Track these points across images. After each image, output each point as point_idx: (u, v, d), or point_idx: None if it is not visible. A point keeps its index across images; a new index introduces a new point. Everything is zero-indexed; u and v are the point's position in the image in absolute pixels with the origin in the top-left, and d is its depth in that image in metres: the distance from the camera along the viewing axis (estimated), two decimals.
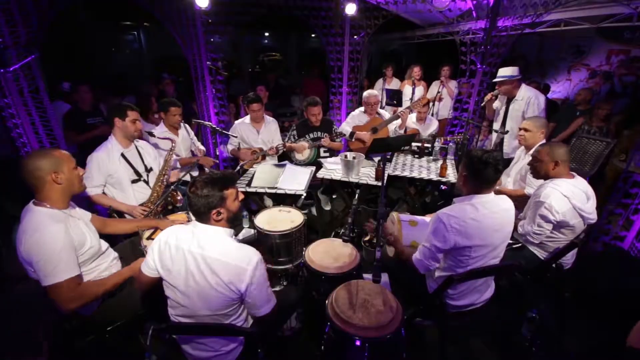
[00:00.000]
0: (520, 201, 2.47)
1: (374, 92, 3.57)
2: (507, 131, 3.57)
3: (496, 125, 3.66)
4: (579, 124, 3.95)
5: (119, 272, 1.69)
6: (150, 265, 1.42)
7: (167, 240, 1.40)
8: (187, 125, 3.28)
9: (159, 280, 1.45)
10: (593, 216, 1.99)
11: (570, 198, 1.93)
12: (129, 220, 2.23)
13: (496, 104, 3.58)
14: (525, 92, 3.26)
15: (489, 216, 1.62)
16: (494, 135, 3.74)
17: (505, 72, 3.25)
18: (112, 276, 1.66)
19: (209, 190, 1.33)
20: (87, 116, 3.57)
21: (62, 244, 1.44)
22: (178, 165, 3.18)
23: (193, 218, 1.43)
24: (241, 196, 1.50)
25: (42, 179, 1.48)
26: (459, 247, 1.60)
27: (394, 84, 5.33)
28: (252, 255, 1.35)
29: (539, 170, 2.09)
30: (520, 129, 2.62)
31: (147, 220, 2.21)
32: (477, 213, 1.60)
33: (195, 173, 3.19)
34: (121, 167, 2.39)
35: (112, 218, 2.29)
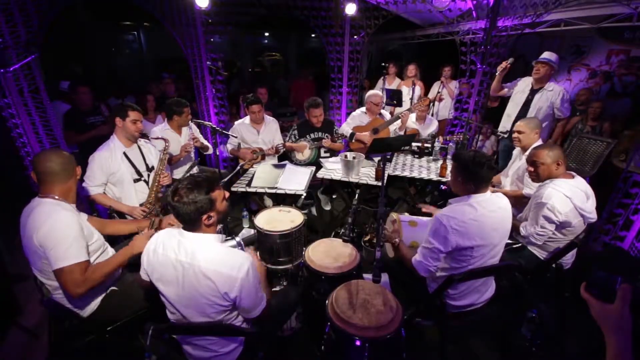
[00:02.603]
0: (518, 201, 2.47)
1: (378, 93, 3.57)
2: (507, 132, 3.58)
3: (502, 127, 3.65)
4: (574, 122, 3.97)
5: (119, 253, 1.68)
6: (143, 271, 1.42)
7: (155, 249, 1.36)
8: (192, 125, 3.28)
9: None
10: (593, 215, 1.99)
11: (572, 198, 1.93)
12: (128, 221, 2.24)
13: (513, 91, 3.51)
14: (556, 85, 3.27)
15: (488, 215, 1.62)
16: (498, 138, 3.73)
17: (550, 56, 3.23)
18: (114, 257, 1.67)
19: (195, 195, 1.27)
20: (87, 115, 3.57)
21: (74, 228, 1.50)
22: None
23: None
24: (227, 195, 1.45)
25: (69, 172, 1.61)
26: (460, 248, 1.60)
27: (396, 83, 5.32)
28: (242, 262, 1.30)
29: (542, 173, 2.07)
30: (514, 132, 2.62)
31: (147, 220, 2.21)
32: (476, 213, 1.60)
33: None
34: (123, 166, 2.39)
35: (112, 219, 2.29)
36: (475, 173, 1.61)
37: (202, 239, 1.33)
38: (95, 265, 1.59)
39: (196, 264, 1.28)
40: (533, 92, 3.37)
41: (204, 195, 1.29)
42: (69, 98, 3.77)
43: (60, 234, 1.44)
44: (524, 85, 3.48)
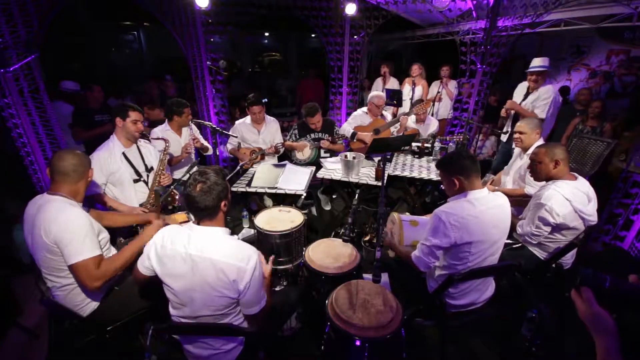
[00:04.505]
0: (520, 200, 2.47)
1: (380, 94, 3.57)
2: (507, 131, 3.60)
3: (506, 128, 3.67)
4: (575, 123, 3.97)
5: (130, 245, 1.69)
6: (147, 265, 1.42)
7: (162, 243, 1.38)
8: (192, 126, 3.28)
9: (156, 278, 1.43)
10: (593, 218, 1.98)
11: (571, 201, 1.92)
12: (127, 214, 2.21)
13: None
14: (550, 88, 3.29)
15: (486, 212, 1.63)
16: (503, 137, 3.75)
17: (542, 62, 3.24)
18: (125, 249, 1.68)
19: (216, 179, 1.34)
20: (94, 113, 3.64)
21: (86, 224, 1.54)
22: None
23: (192, 218, 1.43)
24: None
25: (81, 174, 1.64)
26: (459, 244, 1.61)
27: (392, 83, 5.32)
28: (251, 255, 1.35)
29: (540, 172, 2.08)
30: (515, 132, 2.62)
31: (145, 215, 2.19)
32: (475, 209, 1.61)
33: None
34: (123, 167, 2.39)
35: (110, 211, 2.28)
36: (457, 165, 1.65)
37: (213, 232, 1.37)
38: (109, 258, 1.62)
39: (207, 256, 1.31)
40: (528, 94, 3.42)
41: (223, 180, 1.37)
42: (75, 97, 3.80)
43: (75, 230, 1.48)
44: (521, 88, 3.54)
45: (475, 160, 1.69)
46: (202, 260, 1.31)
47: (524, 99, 3.43)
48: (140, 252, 1.64)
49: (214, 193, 1.33)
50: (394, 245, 1.93)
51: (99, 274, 1.52)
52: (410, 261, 1.75)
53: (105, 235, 1.74)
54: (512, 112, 3.54)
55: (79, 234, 1.49)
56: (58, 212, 1.49)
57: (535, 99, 3.29)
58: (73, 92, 3.85)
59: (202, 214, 1.37)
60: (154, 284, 1.47)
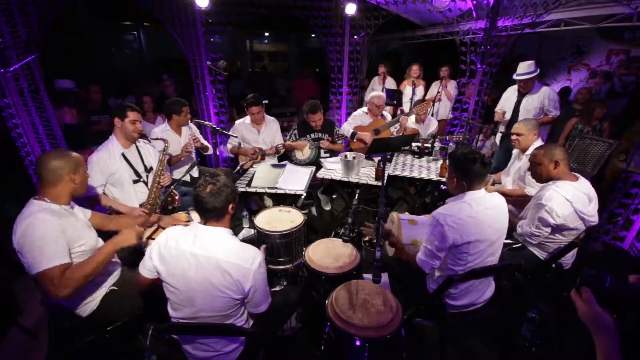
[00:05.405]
0: (520, 201, 2.47)
1: (381, 94, 3.57)
2: (501, 132, 3.63)
3: (502, 127, 3.70)
4: (573, 124, 3.97)
5: (101, 249, 1.56)
6: (149, 267, 1.41)
7: (166, 243, 1.38)
8: (192, 125, 3.28)
9: (158, 280, 1.44)
10: (594, 219, 1.98)
11: (572, 202, 1.91)
12: (130, 218, 2.21)
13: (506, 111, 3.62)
14: (541, 86, 3.38)
15: (484, 212, 1.64)
16: (498, 136, 3.78)
17: (529, 67, 3.31)
18: (95, 254, 1.53)
19: (226, 181, 1.36)
20: (92, 114, 3.65)
21: (49, 231, 1.42)
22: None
23: (193, 218, 1.43)
24: None
25: (60, 177, 1.54)
26: (457, 245, 1.62)
27: (389, 83, 5.32)
28: (255, 256, 1.36)
29: (541, 173, 2.07)
30: (512, 134, 2.63)
31: (147, 217, 2.18)
32: (472, 210, 1.62)
33: (195, 174, 3.19)
34: (122, 167, 2.39)
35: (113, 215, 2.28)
36: (468, 169, 1.64)
37: (218, 233, 1.38)
38: (77, 265, 1.47)
39: (212, 256, 1.32)
40: (521, 95, 3.47)
41: (232, 182, 1.38)
42: (72, 97, 3.79)
43: (34, 238, 1.38)
44: (511, 92, 3.59)
45: (487, 167, 1.67)
46: (206, 260, 1.32)
47: (517, 102, 3.48)
48: (111, 256, 1.59)
49: (222, 195, 1.34)
50: (400, 247, 1.93)
51: (63, 282, 1.37)
52: (414, 263, 1.76)
53: (86, 241, 1.62)
54: (506, 117, 3.58)
55: (38, 242, 1.38)
56: (23, 219, 1.42)
57: (541, 100, 3.35)
58: (69, 90, 3.83)
59: (210, 215, 1.37)
60: (156, 287, 1.46)
